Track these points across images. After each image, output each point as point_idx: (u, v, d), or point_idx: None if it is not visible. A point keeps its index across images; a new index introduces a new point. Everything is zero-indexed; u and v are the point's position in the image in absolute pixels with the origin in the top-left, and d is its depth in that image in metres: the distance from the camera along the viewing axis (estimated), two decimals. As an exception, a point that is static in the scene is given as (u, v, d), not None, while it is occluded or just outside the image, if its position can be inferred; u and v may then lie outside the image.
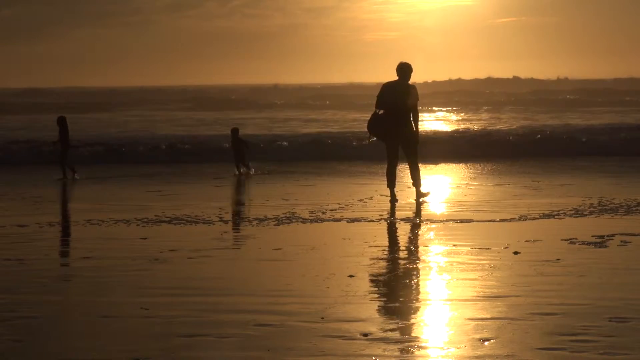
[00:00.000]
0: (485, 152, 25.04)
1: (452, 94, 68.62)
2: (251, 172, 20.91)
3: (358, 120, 40.10)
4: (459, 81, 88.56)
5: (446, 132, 30.98)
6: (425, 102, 50.61)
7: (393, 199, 14.62)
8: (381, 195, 15.86)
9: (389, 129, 14.48)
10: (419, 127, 14.82)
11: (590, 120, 38.70)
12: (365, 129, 14.97)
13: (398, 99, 14.41)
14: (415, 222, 12.62)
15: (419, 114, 14.79)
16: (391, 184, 14.70)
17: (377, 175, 19.83)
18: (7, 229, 12.45)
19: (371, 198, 15.39)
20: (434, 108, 54.70)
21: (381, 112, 14.56)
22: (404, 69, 14.54)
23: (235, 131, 21.96)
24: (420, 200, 14.69)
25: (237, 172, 20.89)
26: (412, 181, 14.87)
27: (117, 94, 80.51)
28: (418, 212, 13.63)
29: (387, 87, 14.58)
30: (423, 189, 14.89)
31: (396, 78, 14.58)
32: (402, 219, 12.76)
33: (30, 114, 50.44)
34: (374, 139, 14.99)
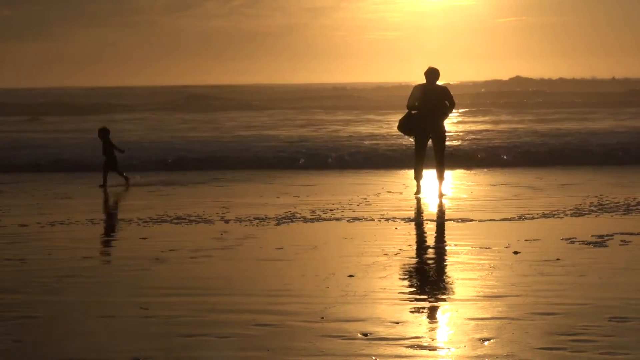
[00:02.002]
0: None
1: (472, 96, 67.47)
2: (128, 183, 18.06)
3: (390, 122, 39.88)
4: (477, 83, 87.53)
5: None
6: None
7: (418, 192, 15.47)
8: (388, 192, 16.14)
9: (421, 127, 15.42)
10: (445, 124, 15.70)
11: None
12: (397, 129, 15.87)
13: (431, 101, 15.34)
14: (416, 221, 12.64)
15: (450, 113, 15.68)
16: (418, 177, 15.57)
17: (377, 177, 19.84)
18: (8, 228, 12.46)
19: (378, 195, 15.68)
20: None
21: (414, 112, 15.47)
22: (435, 73, 15.51)
23: (104, 132, 18.43)
24: (442, 198, 15.16)
25: (103, 183, 17.78)
26: (437, 178, 15.55)
27: (116, 95, 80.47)
28: (413, 211, 13.66)
29: (419, 90, 15.53)
30: (443, 190, 15.56)
31: (424, 81, 15.49)
32: (403, 219, 12.76)
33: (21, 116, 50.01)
34: (410, 137, 15.94)
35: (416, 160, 15.61)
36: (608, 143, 24.43)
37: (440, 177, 15.53)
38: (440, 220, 12.73)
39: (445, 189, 15.70)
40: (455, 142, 25.63)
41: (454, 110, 15.78)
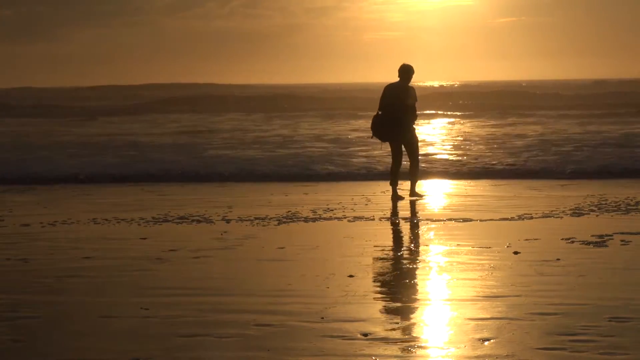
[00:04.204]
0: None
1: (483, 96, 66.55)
2: None
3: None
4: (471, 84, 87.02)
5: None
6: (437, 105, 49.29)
7: (394, 196, 14.85)
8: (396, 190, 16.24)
9: (389, 130, 14.74)
10: (414, 128, 14.97)
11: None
12: (369, 129, 15.13)
13: (397, 101, 14.69)
14: (415, 221, 12.64)
15: (416, 116, 14.97)
16: (393, 182, 14.94)
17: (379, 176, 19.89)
18: (10, 228, 12.47)
19: (384, 192, 15.70)
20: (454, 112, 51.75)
21: (380, 113, 14.77)
22: (406, 71, 14.80)
23: None
24: (413, 199, 14.87)
25: None
26: (409, 179, 15.10)
27: (118, 95, 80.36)
28: (412, 211, 13.66)
29: (387, 89, 14.86)
30: (418, 190, 15.14)
31: (397, 79, 14.86)
32: (403, 218, 12.77)
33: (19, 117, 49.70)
34: (377, 139, 15.07)
35: (392, 166, 14.97)
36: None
37: (413, 177, 14.97)
38: (440, 220, 12.72)
39: (420, 191, 15.19)
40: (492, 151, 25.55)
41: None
